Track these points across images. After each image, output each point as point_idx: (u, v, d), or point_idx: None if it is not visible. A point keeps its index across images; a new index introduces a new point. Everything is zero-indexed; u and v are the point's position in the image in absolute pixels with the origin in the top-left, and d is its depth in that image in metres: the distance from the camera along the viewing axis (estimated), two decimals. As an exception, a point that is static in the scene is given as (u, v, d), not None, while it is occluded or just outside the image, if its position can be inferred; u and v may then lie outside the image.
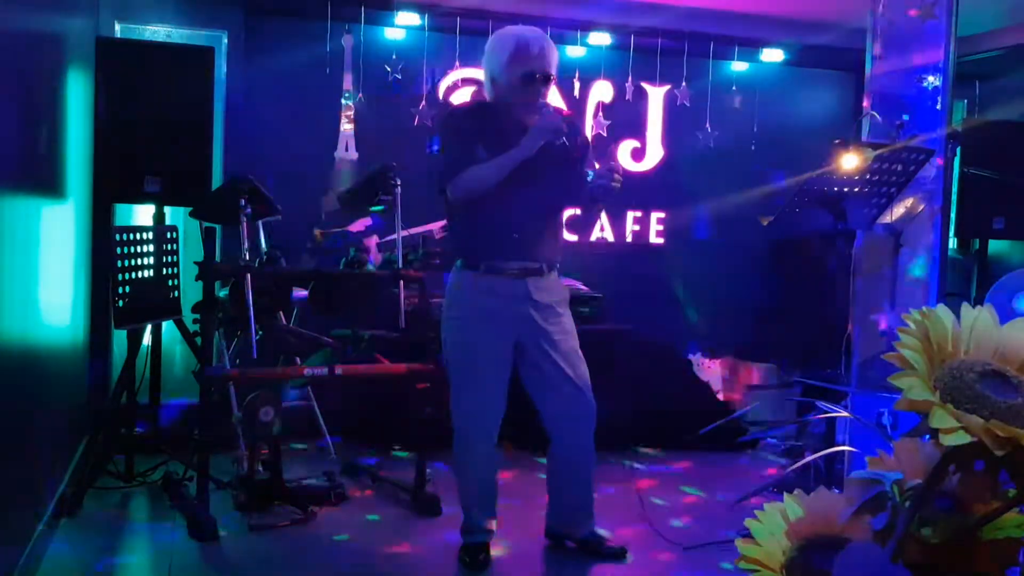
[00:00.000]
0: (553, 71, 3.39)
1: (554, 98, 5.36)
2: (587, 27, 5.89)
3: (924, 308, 0.86)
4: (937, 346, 0.85)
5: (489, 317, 3.41)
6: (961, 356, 0.85)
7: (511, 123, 3.40)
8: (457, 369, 3.48)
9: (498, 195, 3.33)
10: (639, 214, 6.18)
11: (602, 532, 3.66)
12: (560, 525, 3.69)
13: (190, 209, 4.23)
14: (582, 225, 5.58)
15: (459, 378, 3.48)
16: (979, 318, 0.88)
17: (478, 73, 5.79)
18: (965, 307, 0.88)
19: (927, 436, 0.87)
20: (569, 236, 4.41)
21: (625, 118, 6.09)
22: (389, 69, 5.58)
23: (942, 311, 0.87)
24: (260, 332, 4.04)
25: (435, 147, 5.74)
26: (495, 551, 3.56)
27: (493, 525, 3.57)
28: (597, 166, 3.40)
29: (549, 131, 3.30)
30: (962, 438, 0.78)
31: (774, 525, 1.01)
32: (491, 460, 3.54)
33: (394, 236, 4.23)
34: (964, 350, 0.86)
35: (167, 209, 4.45)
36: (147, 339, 4.35)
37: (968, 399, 0.81)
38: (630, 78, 6.02)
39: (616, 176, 3.32)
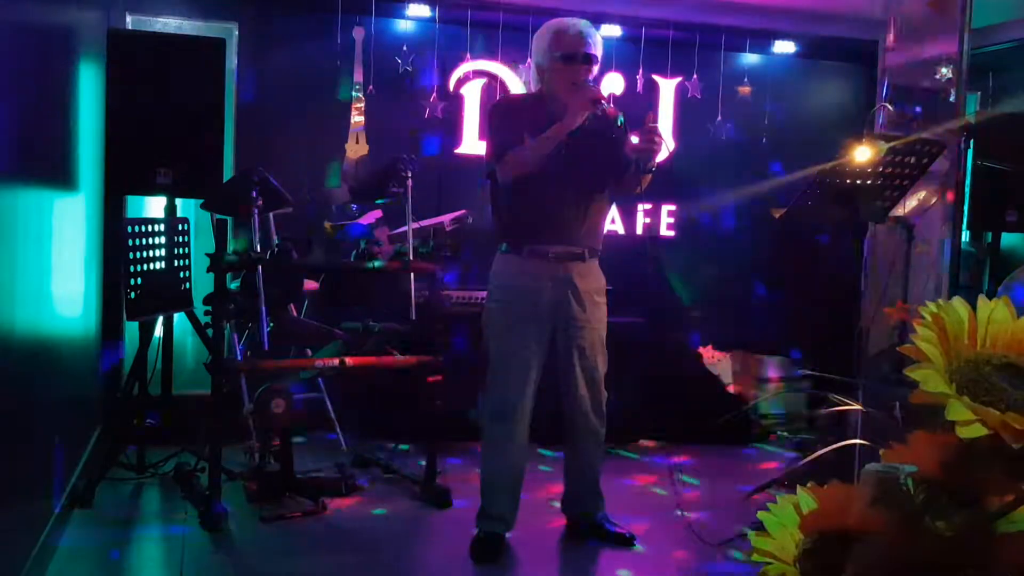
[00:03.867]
0: (593, 51, 3.45)
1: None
2: (598, 19, 5.84)
3: (940, 300, 0.86)
4: (953, 339, 0.85)
5: (530, 301, 3.46)
6: (977, 349, 0.85)
7: (559, 110, 3.43)
8: (496, 351, 3.50)
9: (543, 179, 3.38)
10: (649, 206, 6.16)
11: (612, 519, 3.70)
12: (573, 507, 3.76)
13: (201, 201, 4.24)
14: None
15: (497, 361, 3.50)
16: (995, 311, 0.87)
17: (489, 65, 5.79)
18: (982, 299, 0.88)
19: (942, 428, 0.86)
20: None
21: (636, 110, 6.06)
22: (400, 61, 5.57)
23: (958, 303, 0.86)
24: (271, 324, 4.05)
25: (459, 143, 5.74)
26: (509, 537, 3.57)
27: (512, 517, 3.57)
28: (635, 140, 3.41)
29: (587, 101, 3.33)
30: (979, 431, 0.78)
31: (787, 518, 1.01)
32: (521, 447, 3.55)
33: (405, 228, 4.23)
34: (980, 343, 0.86)
35: (179, 201, 4.45)
36: (159, 331, 4.37)
37: (984, 392, 0.80)
38: (641, 70, 5.99)
39: (655, 138, 3.32)
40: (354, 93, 5.52)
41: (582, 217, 3.50)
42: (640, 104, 6.00)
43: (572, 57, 3.42)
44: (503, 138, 3.45)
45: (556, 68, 3.45)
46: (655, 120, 3.37)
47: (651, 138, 3.31)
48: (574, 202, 3.48)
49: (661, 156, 3.40)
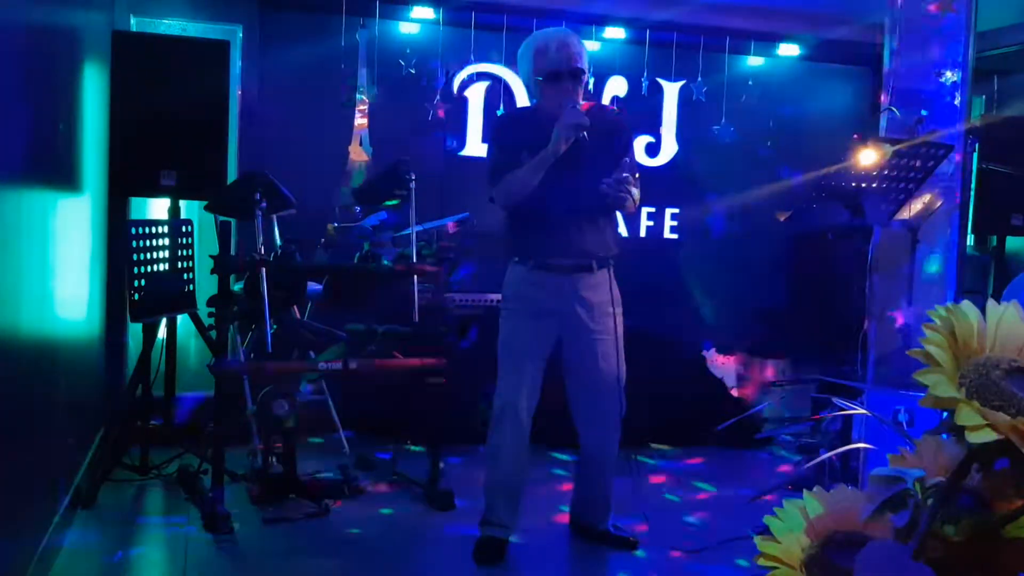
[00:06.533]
0: (579, 64, 3.38)
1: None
2: (602, 21, 5.87)
3: (949, 304, 0.85)
4: (962, 343, 0.84)
5: (535, 311, 3.45)
6: (986, 353, 0.84)
7: (553, 125, 3.36)
8: (500, 358, 3.51)
9: (544, 192, 3.34)
10: (653, 209, 6.17)
11: (618, 524, 3.70)
12: (581, 516, 3.75)
13: (205, 203, 4.24)
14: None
15: (502, 368, 3.51)
16: (1005, 315, 0.87)
17: (493, 68, 5.80)
18: (991, 304, 0.87)
19: (951, 433, 0.86)
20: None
21: (640, 113, 6.07)
22: (403, 64, 5.57)
23: (968, 307, 0.86)
24: (274, 326, 4.05)
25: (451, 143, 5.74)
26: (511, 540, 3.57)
27: (513, 522, 3.56)
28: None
29: (571, 127, 3.28)
30: (988, 436, 0.77)
31: (793, 522, 1.00)
32: (521, 454, 3.54)
33: (408, 231, 4.23)
34: (990, 347, 0.85)
35: (182, 203, 4.46)
36: (162, 332, 4.37)
37: (994, 396, 0.80)
38: (645, 73, 6.00)
39: (621, 192, 3.31)
40: (358, 95, 5.52)
41: (585, 227, 3.45)
42: (644, 107, 6.02)
43: (558, 75, 3.36)
44: (499, 163, 3.42)
45: (543, 87, 3.39)
46: (629, 169, 3.34)
47: (621, 187, 3.30)
48: (578, 213, 3.42)
49: (630, 205, 3.41)
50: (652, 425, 5.26)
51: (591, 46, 5.98)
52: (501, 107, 5.68)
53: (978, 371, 0.82)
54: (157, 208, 4.94)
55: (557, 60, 3.36)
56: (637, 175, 3.52)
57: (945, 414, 0.83)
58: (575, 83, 3.38)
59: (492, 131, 3.65)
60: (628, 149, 3.60)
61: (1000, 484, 0.90)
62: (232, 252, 3.77)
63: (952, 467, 0.87)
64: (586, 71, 3.44)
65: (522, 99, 5.66)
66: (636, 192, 3.39)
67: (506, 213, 3.54)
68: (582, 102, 3.42)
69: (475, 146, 5.72)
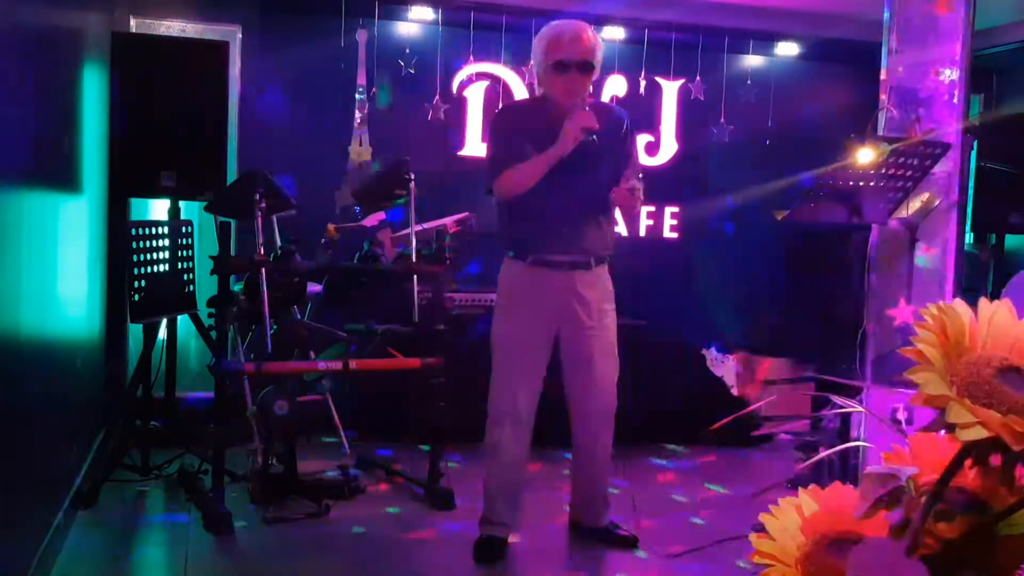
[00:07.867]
0: (589, 58, 3.37)
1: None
2: (601, 21, 5.86)
3: (941, 302, 0.86)
4: (954, 341, 0.85)
5: (532, 308, 3.45)
6: (978, 351, 0.85)
7: (560, 119, 3.36)
8: (497, 356, 3.51)
9: (545, 188, 3.34)
10: (653, 208, 6.17)
11: (618, 522, 3.70)
12: (580, 514, 3.75)
13: (205, 204, 4.24)
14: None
15: (498, 365, 3.51)
16: (997, 313, 0.87)
17: (492, 68, 5.80)
18: (983, 301, 0.88)
19: (943, 431, 0.86)
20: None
21: (639, 112, 6.07)
22: (403, 64, 5.58)
23: (959, 305, 0.86)
24: (274, 326, 4.05)
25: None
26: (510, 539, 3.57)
27: (513, 521, 3.57)
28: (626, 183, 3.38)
29: (580, 130, 3.28)
30: (979, 433, 0.78)
31: (789, 520, 1.01)
32: (521, 453, 3.55)
33: (408, 231, 4.24)
34: (981, 345, 0.86)
35: (182, 204, 4.47)
36: (162, 333, 4.38)
37: (985, 394, 0.80)
38: (644, 72, 6.00)
39: (634, 199, 3.34)
40: (357, 95, 5.53)
41: (586, 225, 3.46)
42: (643, 106, 6.02)
43: (566, 65, 3.36)
44: (501, 155, 3.42)
45: (552, 76, 3.39)
46: (633, 169, 3.37)
47: (631, 194, 3.32)
48: (577, 210, 3.43)
49: (638, 210, 3.45)
50: (652, 424, 5.27)
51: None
52: (500, 106, 5.67)
53: (969, 369, 0.82)
54: (157, 209, 4.95)
55: (568, 51, 3.36)
56: (641, 175, 3.53)
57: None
58: (584, 76, 3.38)
59: (494, 122, 3.63)
60: (632, 149, 3.61)
61: (993, 481, 0.91)
62: (232, 252, 3.77)
63: (945, 465, 0.88)
64: (596, 66, 3.43)
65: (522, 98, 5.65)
66: (641, 193, 3.40)
67: (503, 207, 3.54)
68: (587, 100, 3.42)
69: (475, 146, 5.73)
